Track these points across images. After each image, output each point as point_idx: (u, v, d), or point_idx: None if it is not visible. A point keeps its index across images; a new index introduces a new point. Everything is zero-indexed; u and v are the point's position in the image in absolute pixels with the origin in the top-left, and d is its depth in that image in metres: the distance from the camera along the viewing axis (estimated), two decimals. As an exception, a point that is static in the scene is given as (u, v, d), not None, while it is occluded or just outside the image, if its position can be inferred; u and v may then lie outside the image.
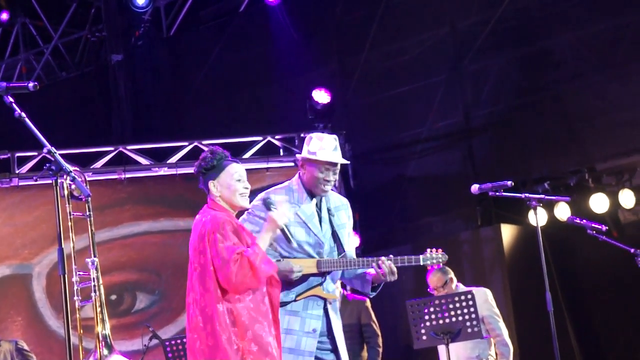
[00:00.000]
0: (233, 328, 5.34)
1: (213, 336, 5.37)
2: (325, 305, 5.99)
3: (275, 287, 5.56)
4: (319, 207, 6.06)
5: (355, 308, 9.02)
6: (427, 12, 12.43)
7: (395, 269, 5.79)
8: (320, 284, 5.97)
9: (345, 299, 8.99)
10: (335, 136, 6.14)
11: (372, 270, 5.95)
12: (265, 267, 5.39)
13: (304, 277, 5.94)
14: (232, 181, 5.58)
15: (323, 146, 6.01)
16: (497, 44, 11.80)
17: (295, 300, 5.98)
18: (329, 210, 6.06)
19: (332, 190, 6.14)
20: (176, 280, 11.25)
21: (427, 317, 7.97)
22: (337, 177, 6.06)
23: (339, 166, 6.04)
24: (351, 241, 6.11)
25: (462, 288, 8.75)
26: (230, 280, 5.32)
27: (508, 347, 8.67)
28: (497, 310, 8.76)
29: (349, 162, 6.12)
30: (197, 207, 5.70)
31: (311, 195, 6.06)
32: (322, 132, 6.27)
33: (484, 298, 8.72)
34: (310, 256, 5.93)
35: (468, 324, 7.94)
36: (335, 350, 6.00)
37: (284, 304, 5.93)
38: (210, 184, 5.57)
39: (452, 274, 8.81)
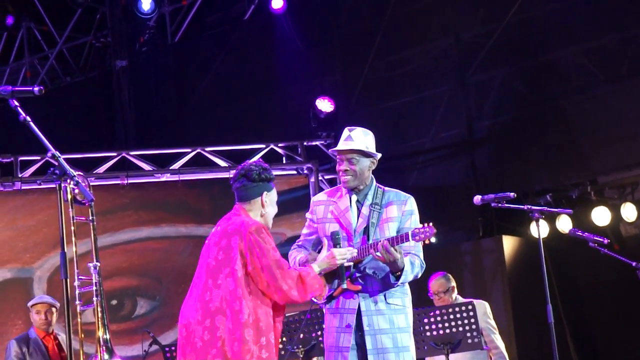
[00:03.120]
0: (248, 329, 5.34)
1: (211, 331, 5.37)
2: (359, 298, 6.00)
3: (281, 312, 5.62)
4: (361, 202, 6.13)
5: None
6: (432, 23, 12.45)
7: (388, 247, 5.78)
8: (349, 276, 6.01)
9: None
10: (358, 128, 6.19)
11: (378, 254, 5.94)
12: (312, 289, 5.53)
13: (336, 272, 5.99)
14: (275, 202, 5.76)
15: (340, 138, 6.17)
16: (501, 55, 11.81)
17: (333, 297, 6.05)
18: (373, 205, 6.09)
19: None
20: (177, 287, 11.25)
21: (427, 327, 7.97)
22: (355, 167, 6.07)
23: (356, 155, 6.09)
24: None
25: (460, 299, 8.75)
26: (280, 285, 5.38)
27: (505, 359, 8.67)
28: (493, 323, 8.75)
29: (357, 150, 6.10)
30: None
31: (353, 191, 6.15)
32: (354, 127, 6.25)
33: (483, 310, 8.71)
34: None
35: (468, 334, 7.93)
36: (360, 345, 6.00)
37: (326, 302, 6.07)
38: (265, 195, 5.66)
39: (454, 283, 8.81)
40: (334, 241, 5.87)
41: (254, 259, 5.39)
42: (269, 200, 5.68)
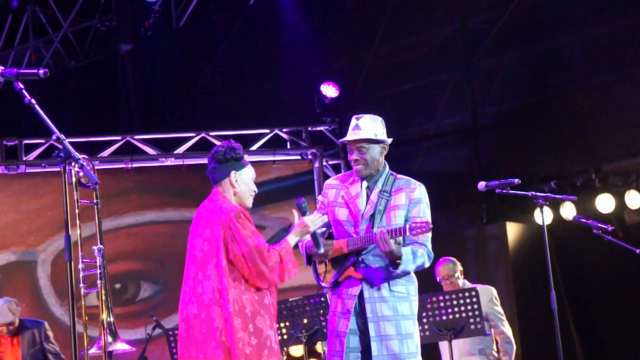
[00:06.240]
0: (237, 318, 5.35)
1: (207, 324, 5.38)
2: (362, 285, 6.01)
3: (274, 290, 5.62)
4: (370, 189, 6.12)
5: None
6: (437, 8, 12.42)
7: (386, 237, 5.79)
8: (353, 263, 6.03)
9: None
10: (366, 116, 6.16)
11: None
12: (291, 267, 5.49)
13: (341, 258, 6.04)
14: (250, 180, 5.69)
15: (349, 127, 6.14)
16: (506, 42, 11.78)
17: (339, 282, 6.07)
18: (382, 192, 6.09)
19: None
20: (180, 271, 11.13)
21: (430, 313, 7.98)
22: (365, 155, 6.07)
23: (365, 144, 6.08)
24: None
25: (467, 285, 8.76)
26: (262, 270, 5.37)
27: (512, 344, 8.70)
28: (500, 309, 8.77)
29: (365, 139, 6.09)
30: (203, 198, 5.73)
31: (364, 177, 6.15)
32: (361, 115, 6.23)
33: (489, 297, 8.73)
34: (350, 235, 6.05)
35: (472, 320, 7.95)
36: (363, 330, 6.01)
37: (332, 287, 6.09)
38: (233, 174, 5.61)
39: (461, 268, 8.82)
40: (302, 210, 5.80)
41: (234, 247, 5.38)
42: (240, 179, 5.62)
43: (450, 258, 8.88)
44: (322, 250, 5.85)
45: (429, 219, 5.98)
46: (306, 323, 8.18)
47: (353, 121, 6.15)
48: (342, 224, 6.11)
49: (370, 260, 6.03)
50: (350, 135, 6.11)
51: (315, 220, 5.72)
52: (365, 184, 6.14)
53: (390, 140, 6.17)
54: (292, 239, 5.64)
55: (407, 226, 5.83)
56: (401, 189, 6.11)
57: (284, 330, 8.19)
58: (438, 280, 8.78)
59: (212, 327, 5.36)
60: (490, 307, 8.69)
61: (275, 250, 5.44)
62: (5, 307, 9.20)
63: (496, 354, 8.71)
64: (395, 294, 6.00)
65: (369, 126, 6.11)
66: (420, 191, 6.14)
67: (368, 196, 6.11)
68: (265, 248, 5.41)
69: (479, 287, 8.84)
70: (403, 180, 6.17)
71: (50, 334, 9.42)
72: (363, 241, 5.96)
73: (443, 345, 8.53)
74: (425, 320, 7.92)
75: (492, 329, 8.70)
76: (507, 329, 8.74)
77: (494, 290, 8.84)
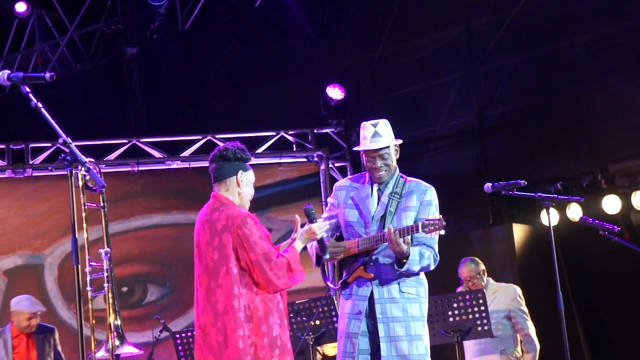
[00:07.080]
0: (249, 323, 5.37)
1: (223, 333, 5.40)
2: (372, 285, 6.03)
3: (284, 292, 5.65)
4: (381, 191, 6.14)
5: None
6: (442, 10, 12.42)
7: (396, 239, 5.79)
8: (363, 263, 6.05)
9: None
10: (380, 121, 6.16)
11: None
12: (299, 275, 5.53)
13: (350, 258, 6.07)
14: (252, 184, 5.73)
15: (365, 135, 6.15)
16: (512, 44, 11.78)
17: (347, 282, 6.08)
18: (393, 194, 6.09)
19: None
20: (187, 274, 11.19)
21: (437, 315, 7.97)
22: (388, 161, 6.10)
23: (387, 150, 6.10)
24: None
25: (492, 283, 8.74)
26: (270, 277, 5.40)
27: (534, 344, 8.66)
28: (525, 308, 8.73)
29: (388, 145, 6.11)
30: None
31: (374, 179, 6.16)
32: (374, 120, 6.22)
33: (513, 295, 8.71)
34: (359, 236, 6.06)
35: (478, 322, 7.95)
36: (373, 332, 6.02)
37: (341, 288, 6.12)
38: (240, 174, 5.63)
39: (483, 267, 8.78)
40: (310, 217, 5.82)
41: (244, 254, 5.41)
42: (245, 180, 5.65)
43: (472, 257, 8.84)
44: (327, 257, 5.90)
45: None
46: (313, 325, 8.19)
47: (369, 128, 6.14)
48: (352, 226, 6.12)
49: (381, 260, 6.05)
50: (375, 144, 6.10)
51: (322, 227, 5.76)
52: (376, 186, 6.15)
53: (400, 142, 6.20)
54: (298, 245, 5.67)
55: (420, 224, 5.83)
56: (412, 191, 6.13)
57: (290, 333, 8.19)
58: (461, 281, 8.76)
59: (227, 336, 5.39)
60: (514, 305, 8.66)
61: (284, 258, 5.46)
62: (32, 298, 9.38)
63: (519, 355, 8.67)
64: (405, 295, 6.02)
65: (387, 131, 6.14)
66: (431, 193, 6.17)
67: (379, 198, 6.12)
68: (274, 255, 5.43)
69: (503, 285, 8.85)
70: (413, 182, 6.19)
71: (59, 340, 9.49)
72: (374, 240, 5.97)
73: (466, 345, 8.54)
74: (432, 323, 7.92)
75: (514, 327, 8.66)
76: (531, 329, 8.68)
77: (518, 289, 8.80)
